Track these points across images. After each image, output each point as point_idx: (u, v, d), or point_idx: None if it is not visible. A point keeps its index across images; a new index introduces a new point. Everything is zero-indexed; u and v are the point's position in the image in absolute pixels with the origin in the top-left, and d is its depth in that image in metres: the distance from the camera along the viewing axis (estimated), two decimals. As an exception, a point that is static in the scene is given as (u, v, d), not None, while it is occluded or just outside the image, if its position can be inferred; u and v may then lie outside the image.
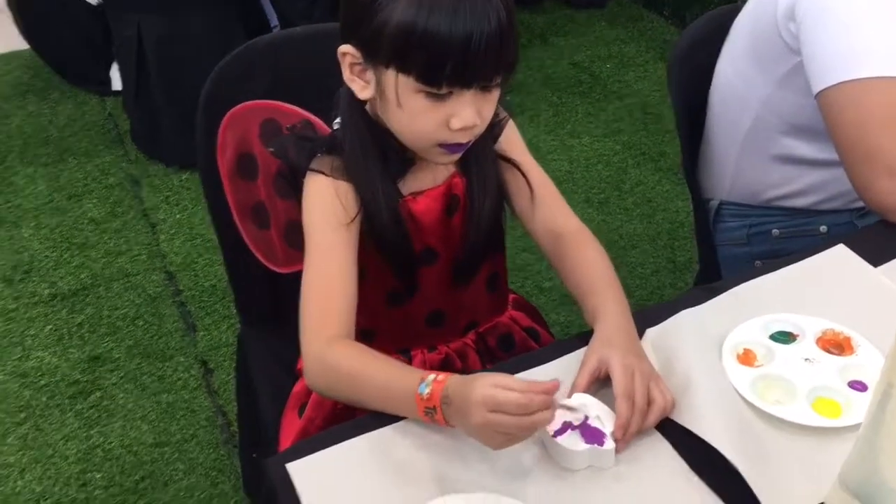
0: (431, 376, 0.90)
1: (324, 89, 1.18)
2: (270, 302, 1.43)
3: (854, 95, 1.19)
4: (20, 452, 1.83)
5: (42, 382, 1.98)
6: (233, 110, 1.22)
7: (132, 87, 2.67)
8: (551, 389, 0.85)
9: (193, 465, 1.81)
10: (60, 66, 3.00)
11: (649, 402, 0.93)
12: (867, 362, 0.99)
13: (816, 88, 1.23)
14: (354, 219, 1.04)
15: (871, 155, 1.19)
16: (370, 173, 1.04)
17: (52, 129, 2.82)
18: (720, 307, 1.09)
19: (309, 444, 0.93)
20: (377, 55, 0.96)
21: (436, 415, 0.89)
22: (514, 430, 0.85)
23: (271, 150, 1.14)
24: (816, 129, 1.29)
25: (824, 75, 1.22)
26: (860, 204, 1.32)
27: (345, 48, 1.00)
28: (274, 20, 2.84)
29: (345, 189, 1.04)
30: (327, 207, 1.04)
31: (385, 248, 1.08)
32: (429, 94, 0.96)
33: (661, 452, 0.93)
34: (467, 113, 0.97)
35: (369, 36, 0.95)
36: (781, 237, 1.48)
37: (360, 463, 0.91)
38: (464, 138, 1.00)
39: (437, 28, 0.91)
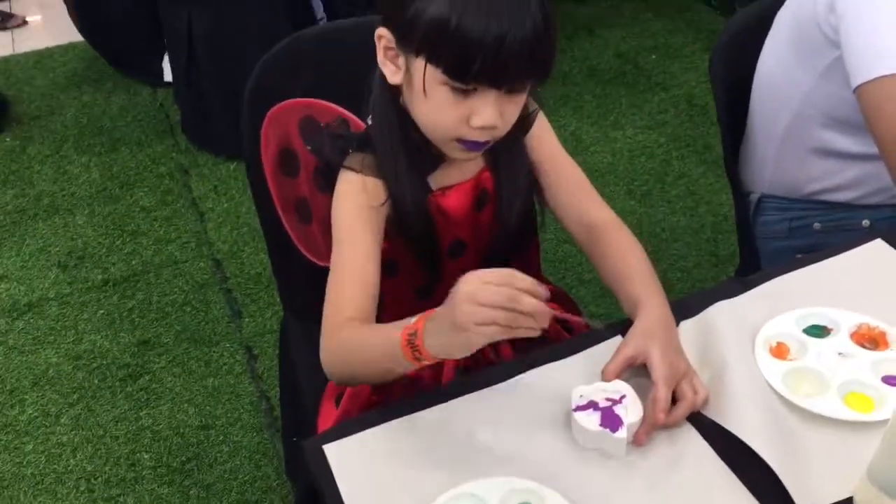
0: (421, 314, 0.90)
1: (365, 86, 1.21)
2: (312, 291, 1.45)
3: (891, 89, 1.18)
4: (73, 432, 1.89)
5: (94, 365, 2.05)
6: (273, 109, 1.24)
7: (182, 79, 2.73)
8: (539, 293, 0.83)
9: (237, 447, 1.85)
10: (114, 57, 3.07)
11: (681, 397, 0.94)
12: (902, 357, 0.99)
13: (855, 82, 1.22)
14: (381, 214, 1.06)
15: None
16: (399, 168, 1.06)
17: (105, 120, 2.89)
18: (755, 300, 1.09)
19: (346, 426, 0.96)
20: (409, 43, 0.98)
21: (416, 339, 0.87)
22: (501, 300, 0.81)
23: (308, 147, 1.17)
24: (857, 123, 1.27)
25: (863, 69, 1.21)
26: (903, 198, 1.30)
27: (381, 31, 1.01)
28: (321, 12, 2.87)
29: (373, 185, 1.07)
30: (355, 202, 1.06)
31: (412, 242, 1.10)
32: (454, 89, 0.97)
33: (690, 440, 0.94)
34: (489, 112, 0.97)
35: (404, 23, 0.97)
36: (823, 231, 1.47)
37: (395, 446, 0.94)
38: (482, 137, 1.01)
39: (469, 26, 0.91)
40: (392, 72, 1.02)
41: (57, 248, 2.39)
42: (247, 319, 2.15)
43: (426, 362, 0.91)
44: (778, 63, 1.43)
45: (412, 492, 0.88)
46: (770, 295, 1.10)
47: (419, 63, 0.97)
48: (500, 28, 0.92)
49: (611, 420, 0.92)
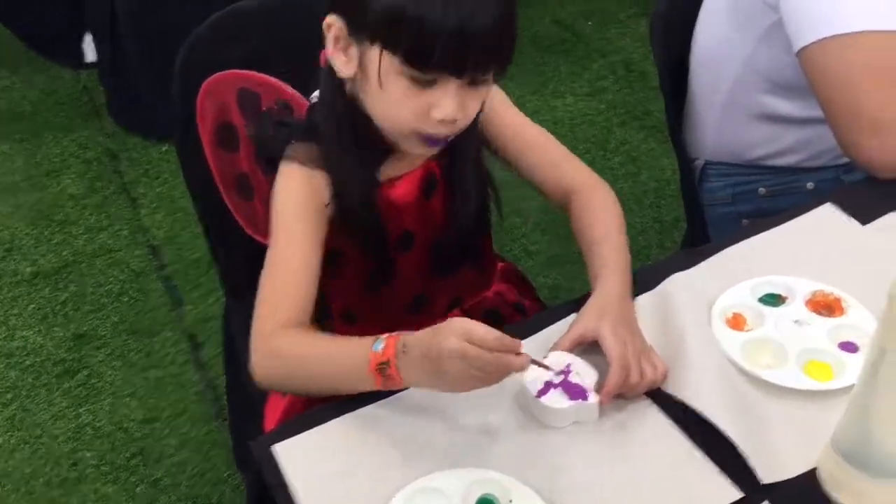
0: (385, 335, 0.89)
1: (307, 60, 1.15)
2: (253, 273, 1.41)
3: (837, 51, 1.17)
4: (8, 434, 1.82)
5: (28, 362, 1.96)
6: (208, 80, 1.18)
7: (107, 59, 2.62)
8: (517, 346, 0.84)
9: (185, 440, 1.80)
10: (31, 38, 2.94)
11: (640, 374, 0.92)
12: (857, 323, 0.99)
13: (797, 45, 1.21)
14: (325, 209, 1.02)
15: (856, 112, 1.17)
16: (346, 162, 1.01)
17: (25, 105, 2.77)
18: (709, 270, 1.08)
19: (294, 424, 0.92)
20: (363, 30, 0.92)
21: (388, 369, 0.87)
22: (489, 366, 0.82)
23: (249, 134, 1.12)
24: (798, 87, 1.27)
25: (805, 31, 1.19)
26: (846, 160, 1.30)
27: (330, 19, 0.96)
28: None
29: (318, 178, 1.01)
30: (298, 196, 1.01)
31: (358, 235, 1.06)
32: (413, 79, 0.91)
33: (652, 418, 0.92)
34: (450, 104, 0.93)
35: (357, 8, 0.91)
36: (768, 195, 1.47)
37: (346, 443, 0.90)
38: (443, 131, 0.96)
39: (430, 7, 0.87)
40: (343, 63, 0.97)
41: (-19, 242, 2.28)
42: (188, 307, 2.09)
43: (395, 388, 0.90)
44: (717, 29, 1.42)
45: (370, 489, 0.85)
46: (723, 265, 1.09)
47: (374, 52, 0.92)
48: (460, 12, 0.87)
49: (576, 391, 0.91)
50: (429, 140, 0.97)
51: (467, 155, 1.08)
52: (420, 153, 1.02)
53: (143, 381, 1.92)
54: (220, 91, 1.18)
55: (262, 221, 1.21)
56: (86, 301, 2.11)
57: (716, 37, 1.42)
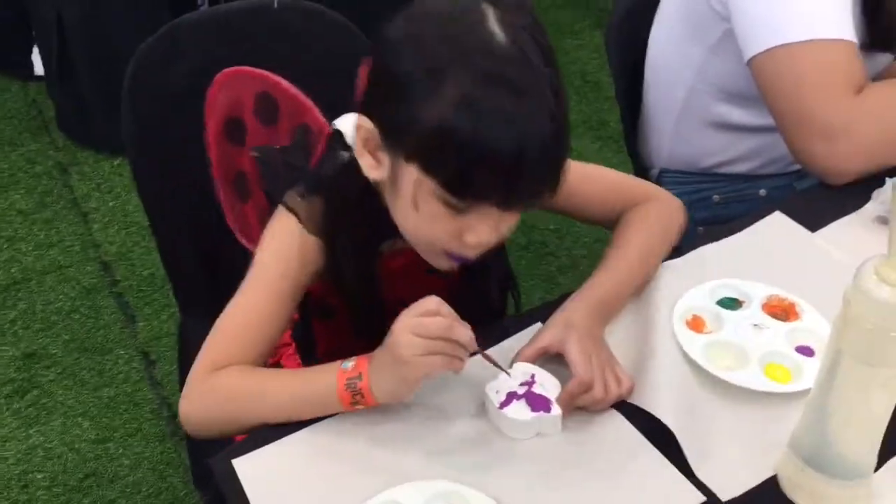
0: (354, 357, 0.88)
1: (263, 69, 1.14)
2: (208, 289, 1.39)
3: (785, 60, 1.19)
4: (-44, 457, 1.77)
5: (-25, 383, 1.91)
6: (225, 72, 1.13)
7: (55, 72, 2.57)
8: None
9: (139, 459, 1.77)
10: (-23, 51, 2.88)
11: (604, 389, 0.91)
12: (812, 327, 1.00)
13: (748, 55, 1.23)
14: (310, 273, 0.97)
15: (806, 119, 1.19)
16: (348, 242, 0.95)
17: (-28, 118, 2.71)
18: (666, 275, 1.08)
19: (254, 439, 0.90)
20: (400, 147, 0.84)
21: (360, 382, 0.85)
22: (433, 329, 0.82)
23: (256, 157, 1.06)
24: (751, 96, 1.29)
25: (754, 41, 1.21)
26: (798, 167, 1.33)
27: (361, 120, 0.87)
28: (201, -2, 2.76)
29: (312, 245, 0.95)
30: (286, 253, 0.95)
31: (350, 302, 1.00)
32: (449, 204, 0.83)
33: (613, 421, 0.92)
34: (486, 231, 0.86)
35: (397, 123, 0.83)
36: (721, 202, 1.48)
37: (308, 456, 0.89)
38: (473, 253, 0.89)
39: (483, 138, 0.78)
40: (370, 165, 0.88)
41: (-74, 259, 2.22)
42: (141, 324, 2.05)
43: (361, 407, 0.88)
44: (669, 39, 1.44)
45: (331, 502, 0.84)
46: (680, 270, 1.09)
47: (411, 170, 0.83)
48: (516, 140, 0.78)
49: (539, 402, 0.91)
50: (455, 258, 0.91)
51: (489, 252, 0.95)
52: (442, 267, 0.94)
53: (96, 399, 1.88)
54: (236, 85, 1.13)
55: (253, 227, 1.15)
56: (36, 319, 2.06)
57: (669, 46, 1.44)
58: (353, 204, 0.94)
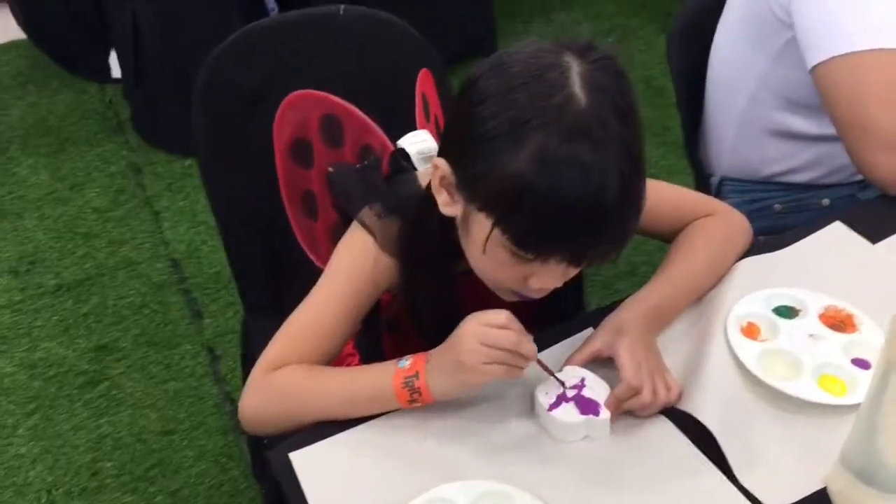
0: (410, 356, 0.90)
1: (329, 75, 1.17)
2: (273, 289, 1.43)
3: (848, 69, 1.17)
4: (31, 443, 1.84)
5: (50, 373, 1.99)
6: (293, 94, 1.16)
7: (131, 74, 2.66)
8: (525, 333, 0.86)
9: (202, 451, 1.82)
10: (58, 55, 2.98)
11: (653, 395, 0.92)
12: (870, 340, 0.99)
13: (810, 63, 1.21)
14: (381, 289, 0.99)
15: (868, 129, 1.17)
16: (424, 259, 0.97)
17: (52, 119, 2.81)
18: (723, 283, 1.08)
19: (311, 433, 0.93)
20: (474, 197, 0.85)
21: (417, 381, 0.88)
22: (500, 340, 0.84)
23: (329, 177, 1.08)
24: (813, 104, 1.27)
25: (817, 49, 1.20)
26: (861, 177, 1.30)
27: (438, 162, 0.89)
28: (272, 3, 2.82)
29: (385, 263, 0.97)
30: (359, 270, 0.97)
31: (421, 321, 1.02)
32: (517, 256, 0.85)
33: (662, 427, 0.93)
34: (550, 280, 0.88)
35: (473, 173, 0.84)
36: (783, 212, 1.47)
37: (362, 451, 0.91)
38: (538, 295, 0.91)
39: (557, 197, 0.79)
40: (446, 202, 0.90)
41: (7, 254, 2.31)
42: (207, 320, 2.11)
43: (419, 405, 0.90)
44: (732, 46, 1.43)
45: (382, 497, 0.86)
46: (738, 277, 1.09)
47: (481, 218, 0.85)
48: (587, 198, 0.79)
49: (588, 405, 0.92)
50: (521, 296, 0.92)
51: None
52: (509, 300, 0.94)
53: (163, 392, 1.94)
54: (304, 107, 1.17)
55: (323, 245, 1.19)
56: (107, 313, 2.14)
57: (732, 54, 1.43)
58: (431, 229, 0.95)
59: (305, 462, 0.90)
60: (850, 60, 1.16)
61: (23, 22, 2.96)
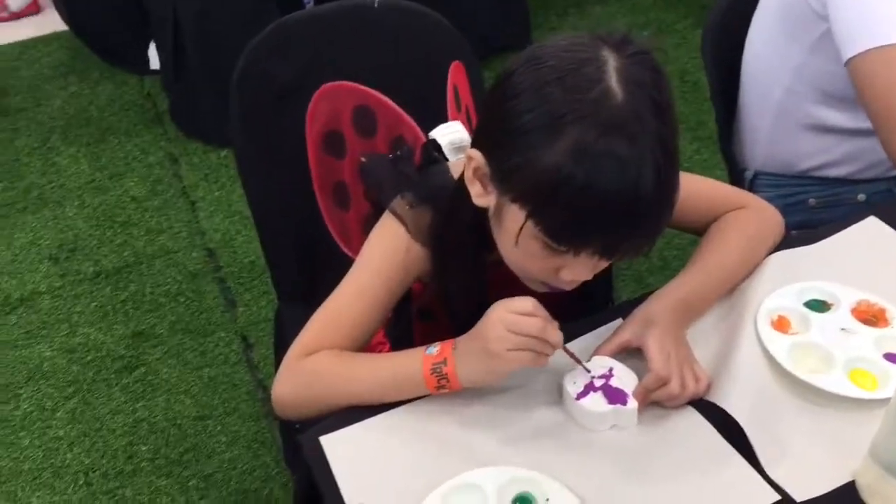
0: (438, 343, 0.91)
1: (362, 66, 1.18)
2: (306, 278, 1.45)
3: (884, 62, 1.16)
4: (69, 426, 1.88)
5: (89, 358, 2.03)
6: (325, 86, 1.18)
7: (170, 66, 2.69)
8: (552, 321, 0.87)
9: (236, 437, 1.85)
10: (99, 46, 3.03)
11: (682, 386, 0.92)
12: (903, 334, 0.98)
13: (846, 56, 1.20)
14: (412, 277, 1.00)
15: None
16: (456, 248, 0.97)
17: (92, 110, 2.86)
18: (755, 276, 1.08)
19: (341, 418, 0.95)
20: (509, 188, 0.85)
21: (445, 367, 0.89)
22: (527, 327, 0.85)
23: (362, 169, 1.09)
24: (849, 98, 1.26)
25: (852, 42, 1.19)
26: (898, 172, 1.29)
27: (472, 153, 0.89)
28: (308, -5, 2.84)
29: (417, 252, 0.98)
30: (390, 259, 0.98)
31: (452, 310, 1.02)
32: (550, 247, 0.85)
33: (689, 417, 0.93)
34: (582, 271, 0.88)
35: (508, 165, 0.84)
36: (818, 206, 1.46)
37: (391, 436, 0.93)
38: (568, 287, 0.92)
39: (591, 190, 0.79)
40: (479, 193, 0.90)
41: (47, 241, 2.36)
42: (241, 308, 2.14)
43: (446, 391, 0.91)
44: (767, 40, 1.42)
45: (411, 482, 0.88)
46: (769, 271, 1.08)
47: (514, 209, 0.85)
48: (623, 190, 0.79)
49: (616, 395, 0.92)
50: (552, 287, 0.93)
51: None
52: (539, 290, 0.95)
53: (197, 379, 1.97)
54: (336, 98, 1.18)
55: (354, 235, 1.20)
56: (145, 300, 2.18)
57: (766, 47, 1.42)
58: (463, 219, 0.96)
59: (335, 445, 0.92)
60: (886, 53, 1.15)
61: (65, 14, 3.02)
